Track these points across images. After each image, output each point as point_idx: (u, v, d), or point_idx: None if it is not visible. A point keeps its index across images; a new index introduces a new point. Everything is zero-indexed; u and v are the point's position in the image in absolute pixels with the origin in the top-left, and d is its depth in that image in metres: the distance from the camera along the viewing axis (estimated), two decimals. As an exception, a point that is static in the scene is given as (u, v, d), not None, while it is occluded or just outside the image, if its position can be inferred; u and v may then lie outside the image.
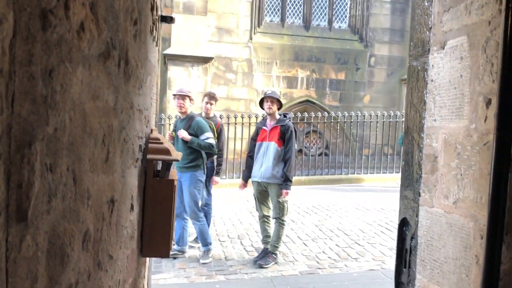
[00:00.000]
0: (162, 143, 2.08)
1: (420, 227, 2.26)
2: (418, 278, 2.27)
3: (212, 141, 5.29)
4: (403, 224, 2.44)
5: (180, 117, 5.48)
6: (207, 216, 5.85)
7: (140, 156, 1.90)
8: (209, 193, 5.89)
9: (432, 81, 2.21)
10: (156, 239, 2.04)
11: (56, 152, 0.88)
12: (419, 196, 2.28)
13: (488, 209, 1.67)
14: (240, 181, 5.64)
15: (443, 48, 2.12)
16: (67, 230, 0.96)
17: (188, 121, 5.31)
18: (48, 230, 0.85)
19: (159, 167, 2.15)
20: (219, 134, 5.90)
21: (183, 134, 5.18)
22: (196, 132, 5.24)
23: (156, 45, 2.34)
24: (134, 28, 1.62)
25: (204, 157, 5.39)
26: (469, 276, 1.85)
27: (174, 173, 2.23)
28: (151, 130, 2.27)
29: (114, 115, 1.36)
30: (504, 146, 1.64)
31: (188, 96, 5.36)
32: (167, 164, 2.07)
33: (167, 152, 2.04)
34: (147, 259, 2.52)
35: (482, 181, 1.78)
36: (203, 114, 5.88)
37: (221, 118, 10.28)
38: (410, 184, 2.39)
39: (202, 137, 5.22)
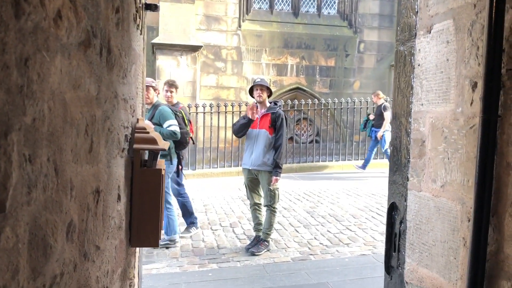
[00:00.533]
0: (148, 132, 2.07)
1: (408, 211, 2.28)
2: (408, 262, 2.29)
3: (175, 128, 5.24)
4: (392, 209, 2.45)
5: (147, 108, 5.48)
6: (186, 205, 5.80)
7: (126, 146, 1.88)
8: (178, 184, 5.76)
9: (419, 65, 2.21)
10: (145, 229, 2.03)
11: (35, 143, 0.86)
12: (407, 180, 2.29)
13: (474, 192, 1.68)
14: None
15: (430, 32, 2.11)
16: (50, 221, 0.94)
17: (153, 111, 5.32)
18: (29, 221, 0.83)
19: (147, 156, 2.13)
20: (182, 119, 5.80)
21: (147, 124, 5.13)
22: (159, 120, 5.24)
23: (141, 34, 2.31)
24: (116, 16, 1.59)
25: (171, 147, 5.36)
26: (457, 258, 1.87)
27: (161, 162, 2.21)
28: (138, 120, 2.25)
29: (97, 104, 1.34)
30: (490, 128, 1.64)
31: (152, 86, 5.34)
32: (154, 154, 2.06)
33: (154, 141, 2.02)
34: (137, 249, 2.51)
35: (469, 164, 1.79)
36: (166, 103, 5.83)
37: (211, 107, 10.39)
38: (399, 169, 2.40)
39: (165, 125, 5.21)
